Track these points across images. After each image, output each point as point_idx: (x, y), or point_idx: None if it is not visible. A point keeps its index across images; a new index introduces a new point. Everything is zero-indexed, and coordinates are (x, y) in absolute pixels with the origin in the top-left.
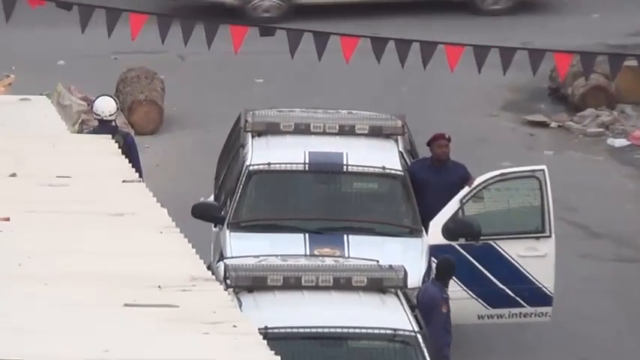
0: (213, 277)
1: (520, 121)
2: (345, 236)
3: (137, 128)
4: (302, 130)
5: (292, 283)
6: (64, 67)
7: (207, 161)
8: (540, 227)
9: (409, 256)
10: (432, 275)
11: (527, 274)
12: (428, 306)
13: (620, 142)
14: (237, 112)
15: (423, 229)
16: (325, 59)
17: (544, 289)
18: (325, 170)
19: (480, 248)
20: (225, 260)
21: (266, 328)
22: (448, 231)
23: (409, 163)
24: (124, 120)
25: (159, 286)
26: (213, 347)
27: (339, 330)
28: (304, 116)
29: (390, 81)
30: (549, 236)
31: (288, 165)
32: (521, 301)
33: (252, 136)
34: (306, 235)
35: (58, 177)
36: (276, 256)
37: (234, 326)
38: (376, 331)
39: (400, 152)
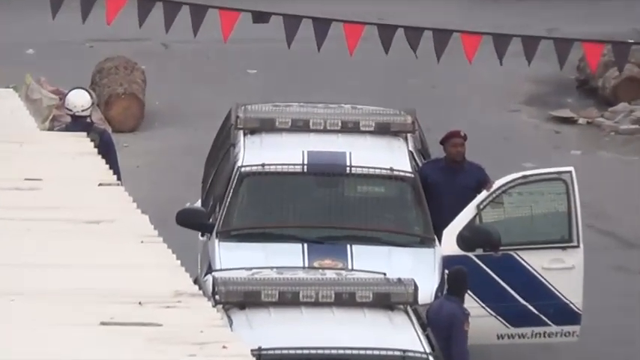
0: (201, 292)
1: (544, 116)
2: (349, 246)
3: (115, 125)
4: (300, 127)
5: (289, 298)
6: (34, 56)
7: (194, 162)
8: (567, 236)
9: (420, 268)
10: (445, 290)
11: (552, 289)
12: (446, 324)
13: None
14: (228, 106)
15: (435, 238)
16: (326, 48)
17: (571, 305)
18: (326, 172)
19: (499, 260)
20: (213, 273)
21: (260, 349)
22: (464, 240)
23: (420, 164)
24: (101, 116)
25: (139, 302)
26: None
27: (341, 351)
28: (302, 111)
29: (399, 72)
30: (577, 246)
31: (284, 166)
32: (546, 319)
33: (244, 134)
34: (305, 244)
35: (26, 180)
36: (271, 268)
37: (224, 347)
38: (383, 352)
39: (410, 152)
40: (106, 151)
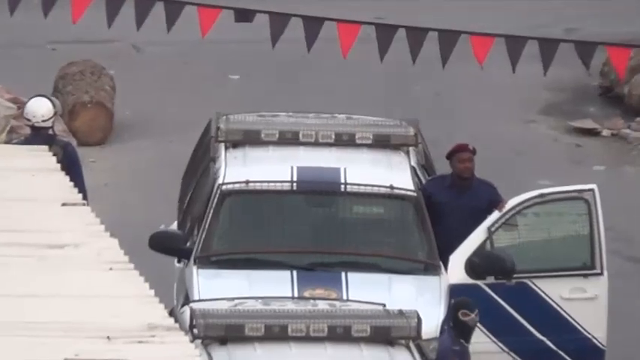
0: (177, 325)
1: (564, 128)
2: (343, 274)
3: (80, 137)
4: (288, 139)
5: (276, 332)
6: None
7: (169, 179)
8: (589, 262)
9: (424, 298)
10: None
11: (572, 322)
12: None
13: None
14: (207, 116)
15: (441, 264)
16: (318, 50)
17: (594, 340)
18: (318, 190)
19: (513, 289)
20: (191, 304)
21: None
22: (473, 267)
23: (424, 182)
24: (64, 127)
25: (107, 337)
26: None
27: None
28: (291, 122)
29: (400, 78)
30: (600, 274)
31: (270, 184)
32: (565, 356)
33: (226, 148)
34: (294, 272)
35: None
36: (256, 299)
37: None
38: None
39: (412, 168)
40: (70, 166)
